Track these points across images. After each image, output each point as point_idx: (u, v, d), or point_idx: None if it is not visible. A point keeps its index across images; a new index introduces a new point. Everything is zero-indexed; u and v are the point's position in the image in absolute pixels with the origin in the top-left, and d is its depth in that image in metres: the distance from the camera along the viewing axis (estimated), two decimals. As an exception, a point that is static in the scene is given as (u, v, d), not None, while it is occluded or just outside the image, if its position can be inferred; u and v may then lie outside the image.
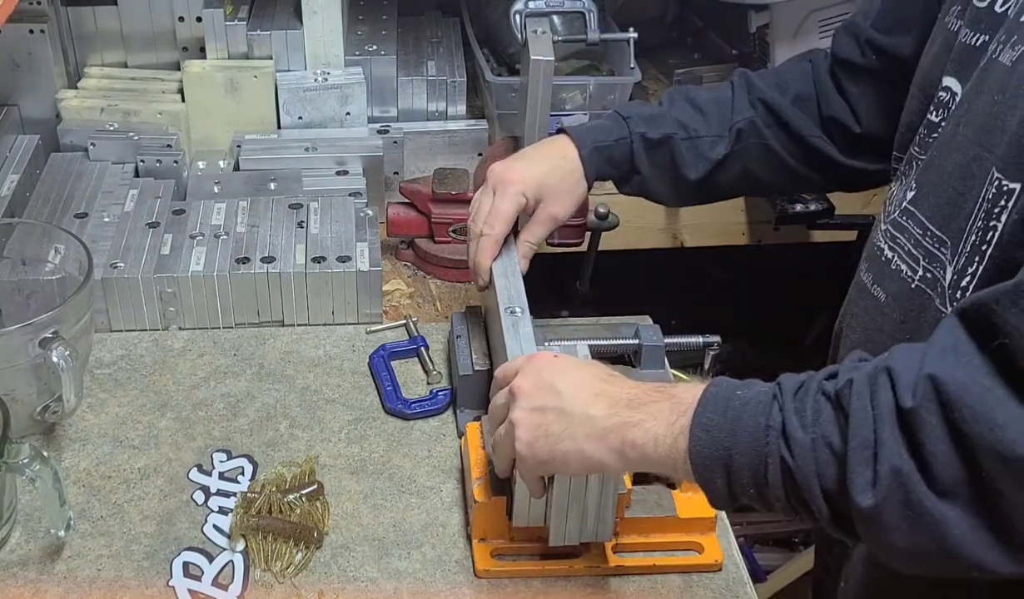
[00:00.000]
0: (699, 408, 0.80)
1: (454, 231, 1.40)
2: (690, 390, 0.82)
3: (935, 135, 0.94)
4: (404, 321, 1.30)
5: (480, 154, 1.55)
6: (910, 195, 0.95)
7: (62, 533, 0.97)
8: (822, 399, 0.76)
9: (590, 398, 0.85)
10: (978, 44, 0.91)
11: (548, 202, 1.13)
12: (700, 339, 1.22)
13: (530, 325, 1.05)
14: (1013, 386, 0.68)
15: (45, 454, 0.95)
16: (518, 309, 1.07)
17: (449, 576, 0.98)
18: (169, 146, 1.43)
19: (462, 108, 1.60)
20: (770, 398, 0.78)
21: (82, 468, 1.08)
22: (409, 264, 1.43)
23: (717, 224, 1.65)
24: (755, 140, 1.16)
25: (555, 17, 1.64)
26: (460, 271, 1.39)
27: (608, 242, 1.48)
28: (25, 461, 0.94)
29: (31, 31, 1.45)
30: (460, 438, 1.12)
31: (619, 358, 1.19)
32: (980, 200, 0.83)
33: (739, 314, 2.00)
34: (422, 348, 1.25)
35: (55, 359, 1.02)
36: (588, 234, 1.44)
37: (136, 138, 1.43)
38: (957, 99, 0.92)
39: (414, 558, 1.00)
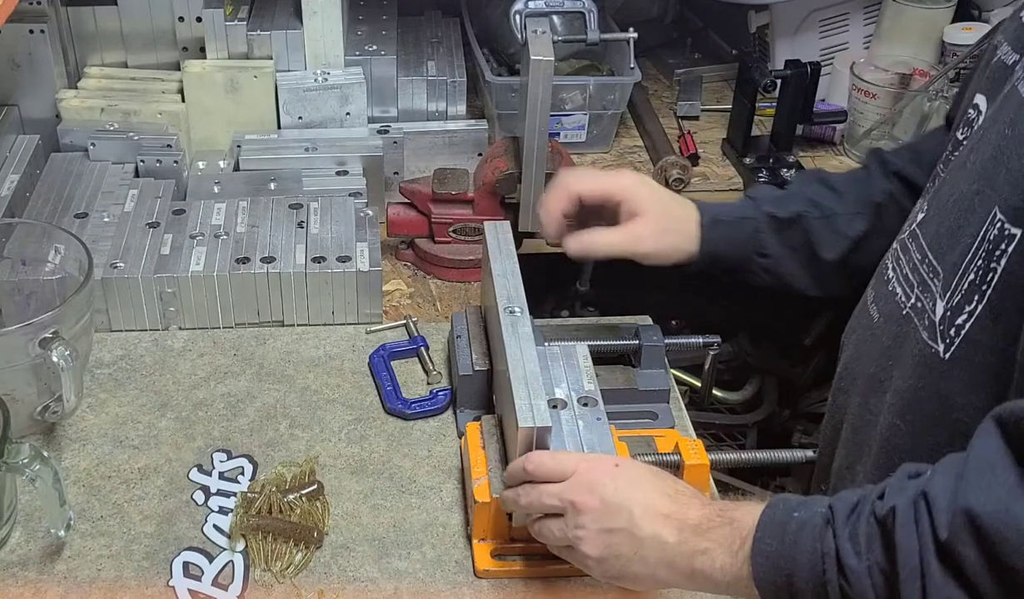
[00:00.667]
0: (758, 534, 0.79)
1: (454, 231, 1.40)
2: (751, 512, 0.81)
3: (955, 154, 0.92)
4: (404, 321, 1.30)
5: (480, 154, 1.55)
6: (920, 216, 0.92)
7: (62, 533, 0.97)
8: (874, 523, 0.74)
9: (660, 521, 0.83)
10: (1011, 62, 0.88)
11: (640, 221, 1.07)
12: (700, 339, 1.22)
13: (529, 325, 1.05)
14: None
15: (45, 454, 0.95)
16: (517, 309, 1.07)
17: (449, 576, 0.98)
18: (169, 146, 1.43)
19: (462, 108, 1.60)
20: (824, 523, 0.76)
21: (82, 468, 1.08)
22: (409, 264, 1.43)
23: (717, 224, 1.65)
24: (896, 212, 1.08)
25: (555, 17, 1.64)
26: (460, 271, 1.39)
27: (608, 242, 1.48)
28: (25, 461, 0.94)
29: (31, 31, 1.45)
30: (460, 438, 1.12)
31: (619, 358, 1.19)
32: (980, 238, 0.81)
33: (739, 314, 1.99)
34: (422, 348, 1.25)
35: (55, 359, 1.02)
36: (588, 234, 1.44)
37: (136, 138, 1.43)
38: (980, 120, 0.90)
39: (414, 558, 1.00)
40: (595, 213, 1.10)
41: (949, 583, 0.69)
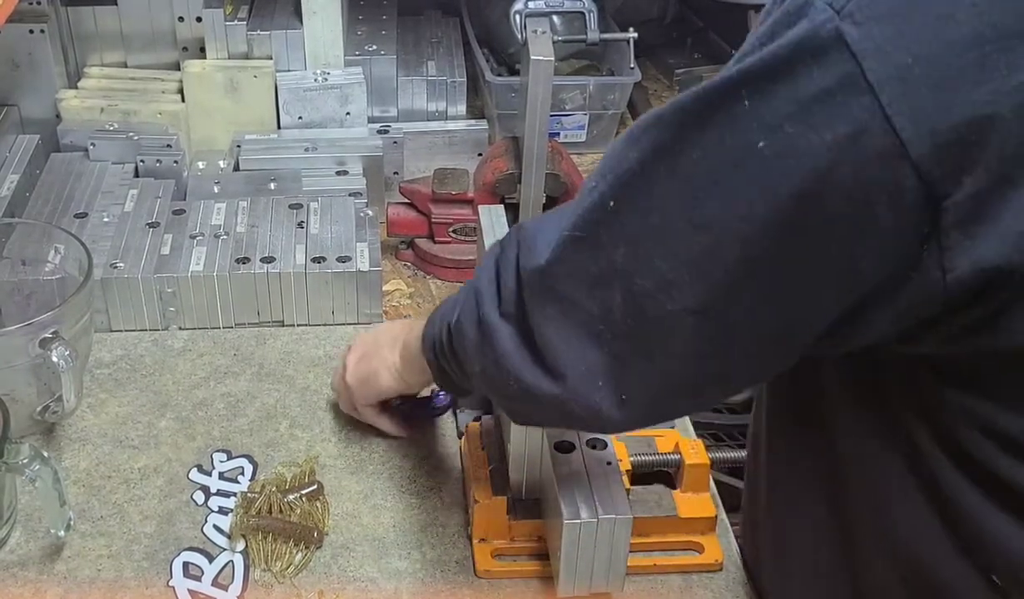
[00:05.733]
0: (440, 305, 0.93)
1: (454, 231, 1.40)
2: None
3: None
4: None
5: (480, 154, 1.55)
6: None
7: (62, 533, 0.97)
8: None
9: (394, 324, 1.10)
10: None
11: None
12: (700, 339, 1.21)
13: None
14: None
15: (45, 454, 0.95)
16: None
17: (449, 576, 0.98)
18: (169, 146, 1.43)
19: (462, 108, 1.60)
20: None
21: (82, 468, 1.08)
22: (409, 264, 1.43)
23: (717, 224, 1.65)
24: None
25: (555, 17, 1.65)
26: (460, 271, 1.39)
27: (608, 242, 1.48)
28: (25, 461, 0.94)
29: (31, 31, 1.45)
30: (460, 438, 1.12)
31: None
32: None
33: (739, 314, 1.99)
34: (422, 348, 1.25)
35: (55, 359, 1.02)
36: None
37: (136, 138, 1.43)
38: None
39: (414, 558, 1.00)
40: None
41: (485, 277, 0.80)
